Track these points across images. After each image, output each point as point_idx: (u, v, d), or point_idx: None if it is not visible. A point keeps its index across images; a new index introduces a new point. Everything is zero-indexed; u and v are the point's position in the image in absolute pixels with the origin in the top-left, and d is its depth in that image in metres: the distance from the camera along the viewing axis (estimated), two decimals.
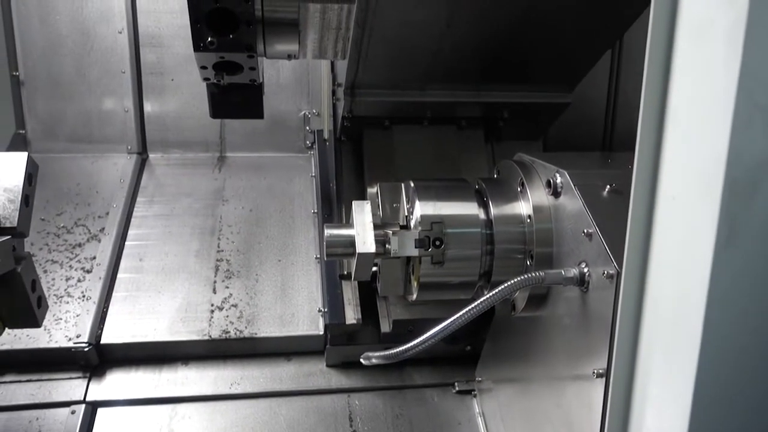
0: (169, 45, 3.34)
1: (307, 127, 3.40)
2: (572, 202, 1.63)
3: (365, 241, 1.91)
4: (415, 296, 1.96)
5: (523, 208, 1.87)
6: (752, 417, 1.04)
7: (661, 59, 1.02)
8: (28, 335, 2.44)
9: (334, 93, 2.99)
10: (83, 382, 2.41)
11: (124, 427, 2.32)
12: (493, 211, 1.90)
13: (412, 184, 1.97)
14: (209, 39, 2.01)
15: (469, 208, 1.92)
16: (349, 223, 2.00)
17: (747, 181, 0.87)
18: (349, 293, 2.57)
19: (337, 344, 2.52)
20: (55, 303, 2.56)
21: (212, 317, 2.58)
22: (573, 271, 1.57)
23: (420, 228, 1.87)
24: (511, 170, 1.96)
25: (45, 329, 2.46)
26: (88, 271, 2.70)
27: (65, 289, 2.63)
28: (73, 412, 2.31)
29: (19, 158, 1.59)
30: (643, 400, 1.15)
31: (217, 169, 3.29)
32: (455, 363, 2.57)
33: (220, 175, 3.25)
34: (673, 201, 1.01)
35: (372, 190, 2.64)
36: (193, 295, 2.65)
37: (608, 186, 1.60)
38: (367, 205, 2.00)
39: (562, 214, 1.69)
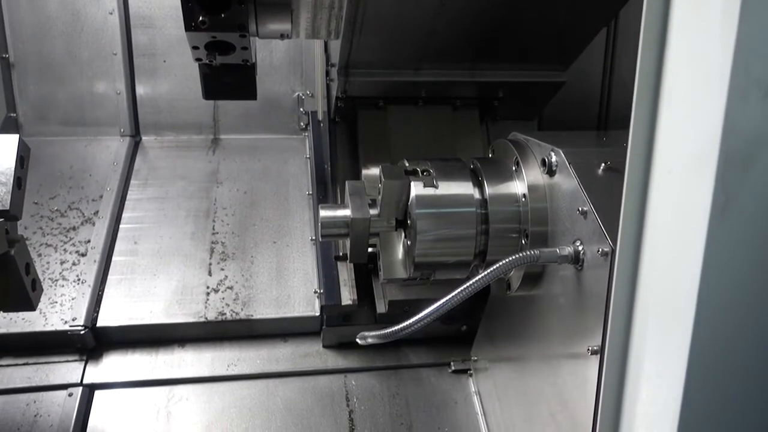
0: (160, 26, 3.30)
1: (301, 109, 3.38)
2: (567, 181, 1.62)
3: (359, 208, 1.91)
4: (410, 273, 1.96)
5: (518, 187, 1.87)
6: (746, 392, 1.04)
7: (657, 33, 1.01)
8: (23, 319, 2.44)
9: (327, 73, 2.97)
10: (80, 365, 2.41)
11: (122, 409, 2.32)
12: (488, 190, 1.89)
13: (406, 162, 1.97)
14: (200, 18, 1.99)
15: (464, 188, 1.92)
16: (343, 204, 2.00)
17: (743, 153, 0.86)
18: (345, 274, 2.57)
19: (333, 325, 2.52)
20: (50, 286, 2.56)
21: (208, 299, 2.58)
22: (568, 250, 1.56)
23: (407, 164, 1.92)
24: (506, 149, 1.95)
25: (40, 313, 2.46)
26: (83, 255, 2.69)
27: (60, 273, 2.62)
28: (70, 395, 2.31)
29: (11, 141, 1.57)
30: (637, 377, 1.15)
31: (211, 152, 3.27)
32: (451, 342, 2.58)
33: (214, 158, 3.23)
34: (668, 175, 1.01)
35: (368, 171, 2.64)
36: (188, 278, 2.65)
37: (603, 164, 1.60)
38: (361, 185, 1.99)
39: (557, 193, 1.69)
